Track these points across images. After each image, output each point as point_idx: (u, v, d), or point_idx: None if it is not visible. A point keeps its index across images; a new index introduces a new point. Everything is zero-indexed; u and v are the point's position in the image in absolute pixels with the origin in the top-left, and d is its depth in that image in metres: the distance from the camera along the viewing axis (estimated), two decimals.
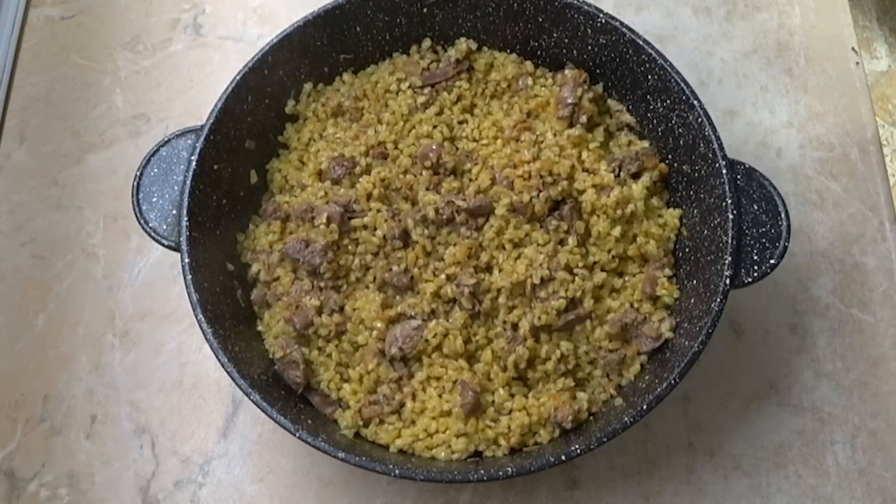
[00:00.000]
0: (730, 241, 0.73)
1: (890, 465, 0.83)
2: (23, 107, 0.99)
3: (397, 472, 0.68)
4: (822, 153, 0.96)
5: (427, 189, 0.80)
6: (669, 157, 0.83)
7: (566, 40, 0.86)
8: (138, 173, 0.77)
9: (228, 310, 0.77)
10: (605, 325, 0.77)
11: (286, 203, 0.83)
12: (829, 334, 0.88)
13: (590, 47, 0.85)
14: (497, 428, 0.74)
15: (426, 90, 0.86)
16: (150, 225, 0.75)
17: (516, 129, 0.83)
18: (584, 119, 0.83)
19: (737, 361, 0.87)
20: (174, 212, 0.75)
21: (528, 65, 0.89)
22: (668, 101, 0.80)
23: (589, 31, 0.83)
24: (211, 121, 0.78)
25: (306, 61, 0.85)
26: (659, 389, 0.70)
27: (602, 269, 0.79)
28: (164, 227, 0.75)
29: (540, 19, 0.85)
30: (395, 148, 0.83)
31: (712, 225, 0.76)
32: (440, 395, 0.75)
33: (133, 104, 1.00)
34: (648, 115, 0.84)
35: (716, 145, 0.76)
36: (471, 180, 0.80)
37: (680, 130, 0.80)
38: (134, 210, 0.76)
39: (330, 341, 0.78)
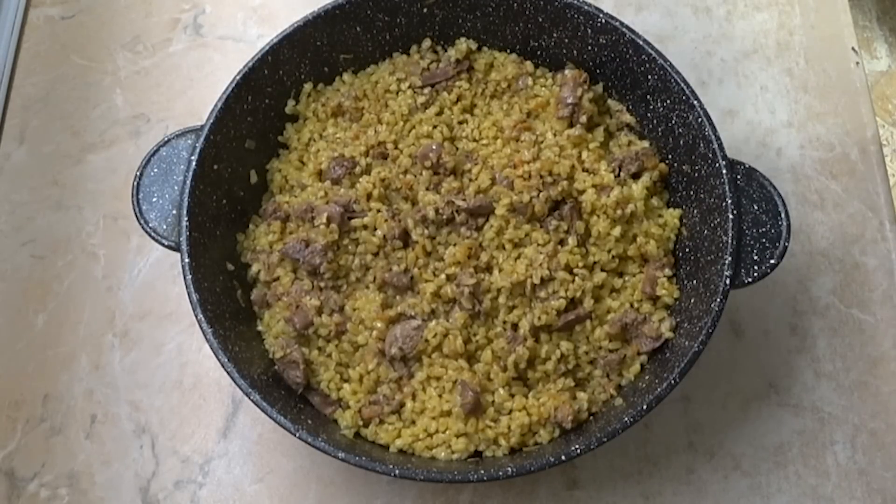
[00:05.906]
0: (730, 241, 0.73)
1: (890, 465, 0.83)
2: (23, 107, 0.99)
3: (397, 472, 0.68)
4: (822, 153, 0.96)
5: (427, 189, 0.80)
6: (669, 157, 0.83)
7: (566, 40, 0.86)
8: (138, 173, 0.77)
9: (228, 310, 0.77)
10: (605, 325, 0.77)
11: (286, 203, 0.83)
12: (829, 334, 0.88)
13: (590, 47, 0.85)
14: (497, 428, 0.74)
15: (426, 90, 0.86)
16: (150, 225, 0.75)
17: (516, 129, 0.83)
18: (584, 119, 0.83)
19: (737, 361, 0.86)
20: (174, 212, 0.75)
21: (528, 65, 0.89)
22: (668, 101, 0.80)
23: (589, 31, 0.83)
24: (211, 121, 0.78)
25: (306, 61, 0.85)
26: (659, 389, 0.70)
27: (602, 269, 0.79)
28: (164, 227, 0.75)
29: (540, 19, 0.85)
30: (395, 148, 0.83)
31: (712, 225, 0.76)
32: (440, 395, 0.75)
33: (133, 104, 1.00)
34: (648, 115, 0.84)
35: (716, 145, 0.76)
36: (471, 180, 0.80)
37: (680, 130, 0.80)
38: (134, 210, 0.76)
39: (330, 341, 0.78)
